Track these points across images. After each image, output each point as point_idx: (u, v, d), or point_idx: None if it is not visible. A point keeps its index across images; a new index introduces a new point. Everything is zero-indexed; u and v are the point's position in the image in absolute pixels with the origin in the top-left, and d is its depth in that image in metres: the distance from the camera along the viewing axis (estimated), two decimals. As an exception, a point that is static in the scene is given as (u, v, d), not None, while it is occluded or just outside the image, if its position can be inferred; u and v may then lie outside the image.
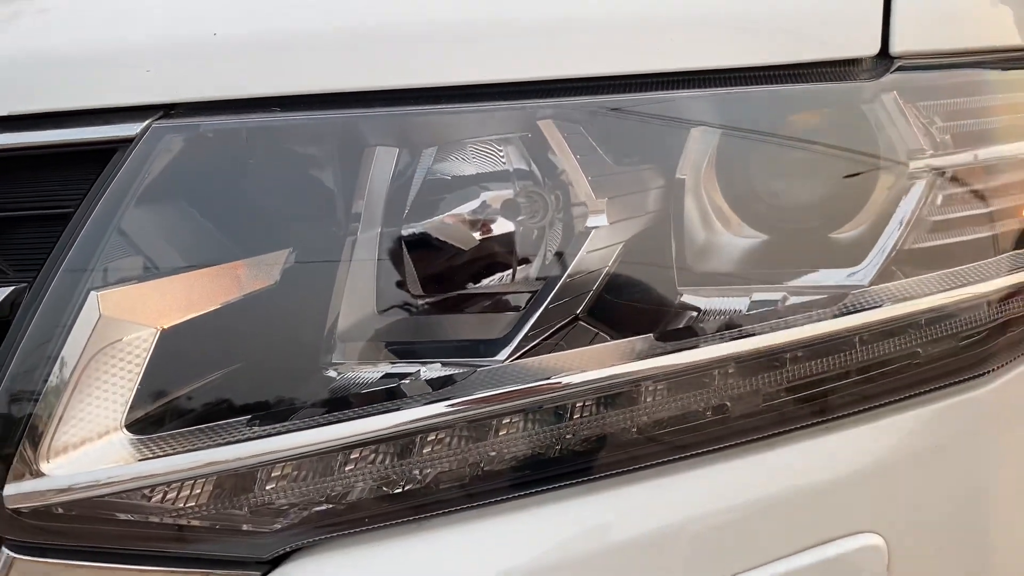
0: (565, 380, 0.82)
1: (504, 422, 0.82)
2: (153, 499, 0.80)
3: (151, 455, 0.79)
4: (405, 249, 0.91)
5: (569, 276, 0.90)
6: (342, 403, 0.84)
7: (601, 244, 0.92)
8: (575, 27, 0.88)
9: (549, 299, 0.90)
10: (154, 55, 0.82)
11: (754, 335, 0.85)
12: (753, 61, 0.90)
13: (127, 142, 0.80)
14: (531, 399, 0.81)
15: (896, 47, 0.92)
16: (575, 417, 0.83)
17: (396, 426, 0.80)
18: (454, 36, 0.86)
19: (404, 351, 0.92)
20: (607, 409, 0.83)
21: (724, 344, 0.84)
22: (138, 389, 0.80)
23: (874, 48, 0.92)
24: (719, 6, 0.90)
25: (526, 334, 0.87)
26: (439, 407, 0.80)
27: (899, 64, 0.92)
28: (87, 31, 0.83)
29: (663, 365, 0.83)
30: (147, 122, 0.80)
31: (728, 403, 0.85)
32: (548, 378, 0.82)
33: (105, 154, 0.81)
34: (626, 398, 0.83)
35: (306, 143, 0.87)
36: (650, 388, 0.84)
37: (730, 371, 0.86)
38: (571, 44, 0.88)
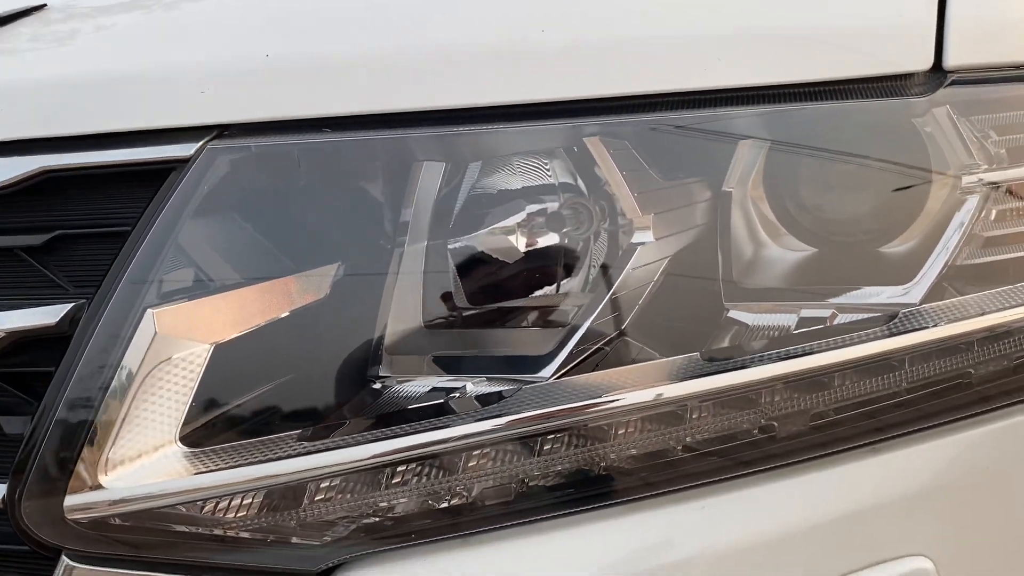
0: (611, 400, 0.82)
1: (549, 439, 0.83)
2: (206, 511, 0.82)
3: (204, 468, 0.81)
4: (451, 262, 0.92)
5: (615, 292, 0.90)
6: (390, 418, 0.85)
7: (647, 260, 0.92)
8: (622, 46, 0.88)
9: (594, 315, 0.91)
10: (208, 77, 0.83)
11: (803, 355, 0.84)
12: (802, 77, 0.89)
13: (183, 162, 0.82)
14: (577, 418, 0.81)
15: (950, 61, 0.90)
16: (619, 435, 0.83)
17: (443, 442, 0.81)
18: (501, 57, 0.86)
19: (450, 365, 0.93)
20: (652, 428, 0.83)
21: (773, 364, 0.84)
22: (192, 403, 0.81)
23: (927, 62, 0.90)
24: (766, 23, 0.89)
25: (571, 351, 0.88)
26: (486, 424, 0.81)
27: (953, 78, 0.91)
28: (143, 52, 0.85)
29: (711, 386, 0.83)
30: (202, 142, 0.82)
31: (775, 423, 0.85)
32: (594, 397, 0.82)
33: (161, 174, 0.83)
34: (672, 417, 0.83)
35: (355, 161, 0.88)
36: (696, 407, 0.83)
37: (778, 390, 0.85)
38: (617, 63, 0.88)
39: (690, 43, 0.88)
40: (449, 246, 0.92)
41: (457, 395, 0.87)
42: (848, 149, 0.93)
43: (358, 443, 0.81)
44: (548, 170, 0.95)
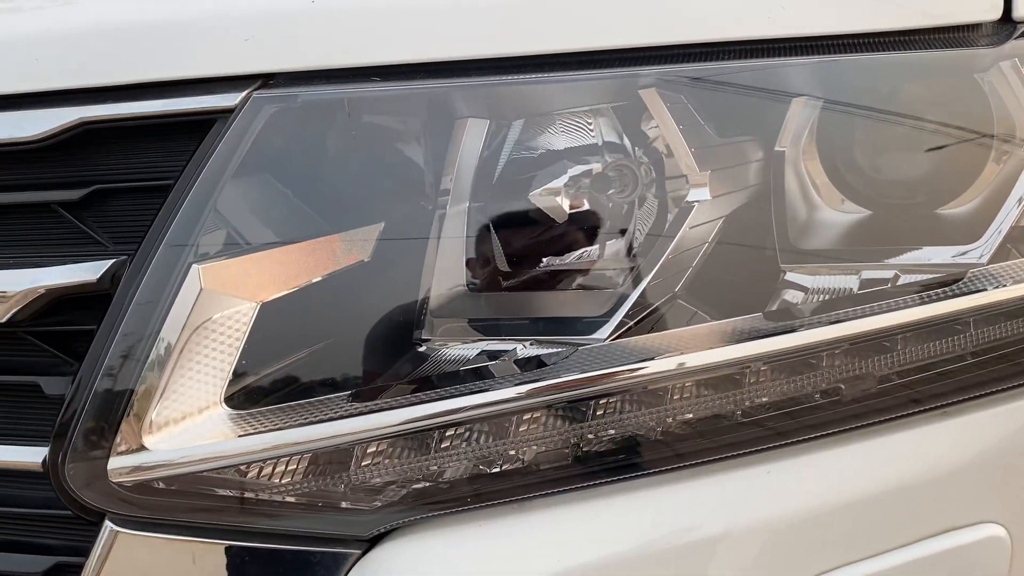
0: (670, 361, 0.79)
1: (604, 403, 0.80)
2: (251, 475, 0.79)
3: (250, 431, 0.78)
4: (493, 224, 0.89)
5: (671, 253, 0.87)
6: (439, 380, 0.82)
7: (703, 219, 0.89)
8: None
9: (650, 277, 0.87)
10: (252, 23, 0.80)
11: (868, 315, 0.81)
12: (861, 27, 0.86)
13: (227, 112, 0.79)
14: (634, 380, 0.78)
15: (1021, 11, 0.86)
16: (677, 399, 0.80)
17: (495, 403, 0.78)
18: (552, 3, 0.82)
19: (496, 329, 0.90)
20: (712, 392, 0.80)
21: (837, 326, 0.80)
22: (237, 364, 0.79)
23: (996, 12, 0.86)
24: (832, -32, 0.85)
25: (627, 312, 0.85)
26: (540, 385, 0.78)
27: (1023, 30, 0.87)
28: (192, 2, 0.81)
29: (773, 348, 0.79)
30: (246, 92, 0.79)
31: (841, 386, 0.81)
32: (652, 359, 0.79)
33: (204, 124, 0.80)
34: (731, 381, 0.80)
35: (402, 114, 0.85)
36: (757, 370, 0.80)
37: (842, 352, 0.82)
38: (675, 8, 0.84)
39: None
40: (493, 207, 0.89)
41: (507, 359, 0.84)
42: (905, 105, 0.90)
43: (407, 404, 0.78)
44: (592, 129, 0.92)
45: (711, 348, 0.79)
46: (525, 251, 0.91)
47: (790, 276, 0.90)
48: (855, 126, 0.91)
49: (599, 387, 0.78)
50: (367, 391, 0.81)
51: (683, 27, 0.84)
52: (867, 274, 0.90)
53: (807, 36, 0.86)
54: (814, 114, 0.89)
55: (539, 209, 0.89)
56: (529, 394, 0.78)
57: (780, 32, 0.85)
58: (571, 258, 0.91)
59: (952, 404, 0.83)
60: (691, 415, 0.80)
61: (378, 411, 0.80)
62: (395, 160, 0.87)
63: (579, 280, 0.91)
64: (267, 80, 0.80)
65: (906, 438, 0.81)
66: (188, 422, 0.78)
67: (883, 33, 0.86)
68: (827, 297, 0.88)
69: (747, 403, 0.80)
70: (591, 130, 0.92)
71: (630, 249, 0.91)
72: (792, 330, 0.80)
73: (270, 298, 0.80)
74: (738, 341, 0.80)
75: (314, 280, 0.82)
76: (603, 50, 0.85)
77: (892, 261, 0.90)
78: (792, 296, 0.89)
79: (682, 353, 0.79)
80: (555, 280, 0.92)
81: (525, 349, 0.85)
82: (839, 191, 0.93)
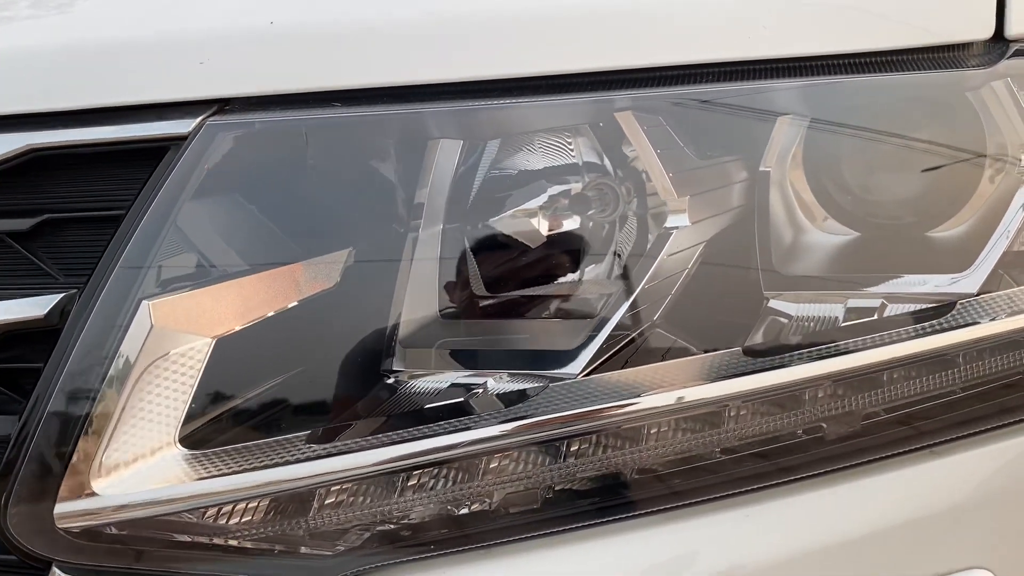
0: (646, 400, 0.75)
1: (578, 442, 0.76)
2: (207, 518, 0.76)
3: (206, 473, 0.75)
4: (469, 248, 0.86)
5: (648, 282, 0.84)
6: (405, 417, 0.79)
7: (682, 245, 0.86)
8: (656, 11, 0.80)
9: (625, 306, 0.84)
10: (207, 46, 0.77)
11: (853, 351, 0.78)
12: (848, 48, 0.83)
13: (180, 140, 0.75)
14: (609, 420, 0.75)
15: (1012, 29, 0.83)
16: (654, 438, 0.77)
17: (463, 446, 0.75)
18: (526, 24, 0.79)
19: (469, 359, 0.87)
20: (690, 430, 0.77)
21: (821, 362, 0.77)
22: (192, 402, 0.76)
23: (987, 31, 0.83)
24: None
25: (600, 345, 0.81)
26: (509, 426, 0.75)
27: (1016, 48, 0.84)
28: (136, 21, 0.78)
29: (753, 385, 0.76)
30: (200, 118, 0.75)
31: (823, 424, 0.78)
32: (628, 397, 0.75)
33: (157, 152, 0.76)
34: (711, 418, 0.77)
35: (367, 139, 0.82)
36: (737, 407, 0.77)
37: (826, 389, 0.78)
38: (652, 30, 0.81)
39: (735, 8, 0.80)
40: (467, 231, 0.86)
41: (478, 392, 0.81)
42: (895, 125, 0.86)
43: (371, 446, 0.75)
44: (572, 148, 0.89)
45: (687, 386, 0.76)
46: (500, 275, 0.88)
47: (774, 303, 0.87)
48: (844, 145, 0.88)
49: (569, 428, 0.75)
50: (330, 430, 0.77)
51: (659, 49, 0.80)
52: (853, 303, 0.87)
53: (788, 57, 0.83)
54: (800, 133, 0.86)
55: (515, 232, 0.86)
56: (496, 435, 0.75)
57: (760, 54, 0.81)
58: (548, 283, 0.88)
59: (941, 443, 0.80)
60: (665, 456, 0.77)
61: (341, 453, 0.76)
62: (362, 185, 0.84)
63: (555, 307, 0.88)
64: (223, 106, 0.76)
65: (892, 479, 0.78)
66: (140, 464, 0.74)
67: (870, 53, 0.83)
68: (812, 326, 0.85)
69: (725, 443, 0.77)
70: (571, 150, 0.89)
71: (609, 274, 0.88)
72: (774, 367, 0.76)
73: (226, 333, 0.76)
74: (717, 378, 0.76)
75: (276, 311, 0.79)
76: (578, 73, 0.81)
77: (879, 289, 0.87)
78: (774, 325, 0.86)
79: (657, 391, 0.76)
80: (530, 306, 0.89)
81: (497, 383, 0.82)
82: (827, 211, 0.90)
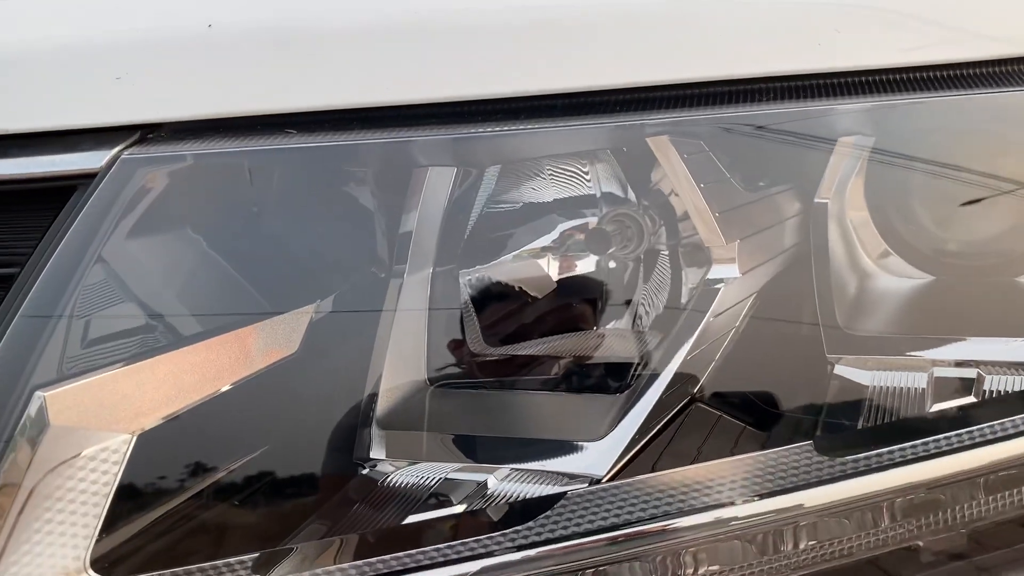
0: (689, 518, 0.58)
1: (605, 570, 0.59)
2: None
3: (125, 607, 0.58)
4: (465, 298, 0.72)
5: (691, 349, 0.67)
6: (380, 536, 0.62)
7: (730, 302, 0.70)
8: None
9: (661, 378, 0.68)
10: (126, 56, 0.60)
11: (952, 450, 0.61)
12: (933, 58, 0.70)
13: (90, 177, 0.59)
14: (645, 545, 0.58)
15: None
16: (700, 563, 0.60)
17: (458, 579, 0.58)
18: (533, 32, 0.63)
19: (465, 445, 0.71)
20: (752, 551, 0.60)
21: (917, 465, 0.60)
22: (107, 516, 0.60)
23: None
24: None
25: (632, 435, 0.64)
26: (513, 556, 0.58)
27: None
28: (33, 24, 0.61)
29: (833, 497, 0.59)
30: (116, 150, 0.59)
31: (919, 541, 0.61)
32: (667, 515, 0.58)
33: (61, 193, 0.60)
34: (777, 537, 0.60)
35: (331, 171, 0.67)
36: (809, 524, 0.60)
37: (919, 497, 0.61)
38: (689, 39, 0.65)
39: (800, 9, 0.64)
40: (461, 277, 0.72)
41: (475, 496, 0.64)
42: (974, 150, 0.73)
43: (335, 580, 0.58)
44: (588, 176, 0.74)
45: (744, 501, 0.59)
46: (502, 332, 0.74)
47: (840, 370, 0.71)
48: (915, 173, 0.74)
49: (593, 556, 0.57)
50: (281, 552, 0.60)
51: (702, 62, 0.64)
52: (940, 372, 0.70)
53: (850, 71, 0.67)
54: (862, 158, 0.72)
55: (520, 276, 0.72)
56: (497, 565, 0.58)
57: (829, 65, 0.65)
58: (561, 343, 0.73)
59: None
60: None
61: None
62: (330, 227, 0.70)
63: (571, 376, 0.72)
64: (146, 134, 0.60)
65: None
66: (38, 598, 0.58)
67: (939, 67, 0.70)
68: (893, 405, 0.69)
69: (790, 570, 0.60)
70: (587, 179, 0.75)
71: (637, 332, 0.72)
72: (856, 472, 0.59)
73: (152, 425, 0.60)
74: (789, 485, 0.59)
75: (218, 391, 0.63)
76: (607, 90, 0.65)
77: (969, 353, 0.71)
78: (844, 395, 0.69)
79: (706, 507, 0.58)
80: (540, 371, 0.73)
81: (499, 483, 0.65)
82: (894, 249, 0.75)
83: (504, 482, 0.65)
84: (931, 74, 0.70)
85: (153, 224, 0.60)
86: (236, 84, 0.61)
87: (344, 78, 0.63)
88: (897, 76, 0.70)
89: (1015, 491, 0.65)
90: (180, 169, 0.60)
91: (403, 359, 0.71)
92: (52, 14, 0.61)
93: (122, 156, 0.59)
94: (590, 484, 0.61)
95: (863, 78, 0.70)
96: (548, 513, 0.59)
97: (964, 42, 0.71)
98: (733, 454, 0.63)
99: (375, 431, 0.70)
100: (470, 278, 0.73)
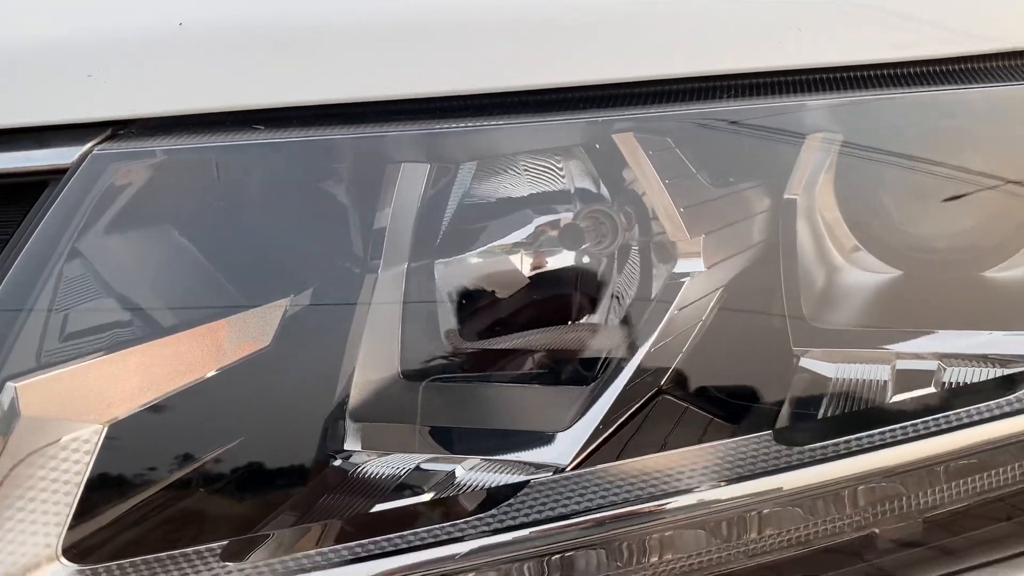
0: (652, 504, 0.59)
1: (570, 556, 0.60)
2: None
3: (97, 594, 0.59)
4: (439, 292, 0.73)
5: (656, 341, 0.68)
6: (352, 526, 0.63)
7: (695, 295, 0.71)
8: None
9: (625, 370, 0.69)
10: (97, 53, 0.61)
11: (914, 437, 0.62)
12: (897, 55, 0.71)
13: (60, 173, 0.60)
14: (609, 532, 0.59)
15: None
16: (662, 549, 0.61)
17: (420, 567, 0.59)
18: (507, 29, 0.64)
19: (437, 435, 0.72)
20: (707, 539, 0.61)
21: (874, 454, 0.61)
22: (79, 505, 0.60)
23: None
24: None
25: (596, 425, 0.66)
26: (477, 543, 0.59)
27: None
28: (5, 22, 0.62)
29: (792, 484, 0.60)
30: (86, 147, 0.60)
31: (875, 529, 0.62)
32: (629, 501, 0.60)
33: (31, 189, 0.61)
34: (728, 526, 0.61)
35: (303, 167, 0.67)
36: (769, 511, 0.61)
37: (877, 485, 0.63)
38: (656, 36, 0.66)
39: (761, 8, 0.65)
40: (436, 272, 0.73)
41: (443, 484, 0.65)
42: (944, 145, 0.74)
43: (302, 569, 0.59)
44: (562, 172, 0.75)
45: (702, 486, 0.60)
46: (475, 325, 0.74)
47: (805, 362, 0.72)
48: (885, 168, 0.76)
49: (556, 541, 0.59)
50: (254, 539, 0.62)
51: (665, 59, 0.65)
52: (903, 364, 0.72)
53: (818, 67, 0.69)
54: (832, 153, 0.73)
55: (493, 270, 0.73)
56: (464, 553, 0.59)
57: (789, 63, 0.67)
58: (532, 337, 0.73)
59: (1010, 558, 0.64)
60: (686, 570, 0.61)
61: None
62: (303, 221, 0.70)
63: (542, 369, 0.73)
64: (117, 130, 0.61)
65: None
66: (11, 585, 0.59)
67: (922, 62, 0.71)
68: (853, 393, 0.70)
69: (748, 557, 0.61)
70: (560, 175, 0.75)
71: (605, 323, 0.73)
72: (813, 460, 0.61)
73: (123, 415, 0.61)
74: (743, 476, 0.60)
75: (190, 383, 0.64)
76: (569, 87, 0.66)
77: (931, 346, 0.72)
78: (808, 388, 0.71)
79: (664, 495, 0.60)
80: (511, 366, 0.74)
81: (467, 472, 0.66)
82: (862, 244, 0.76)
83: (472, 471, 0.66)
84: (898, 71, 0.72)
85: (125, 219, 0.61)
86: (206, 81, 0.62)
87: (315, 74, 0.64)
88: (865, 73, 0.72)
89: (973, 479, 0.66)
90: (151, 164, 0.61)
91: (376, 353, 0.72)
92: (23, 11, 0.62)
93: (93, 152, 0.60)
94: (554, 473, 0.62)
95: (831, 75, 0.72)
96: (511, 501, 0.60)
97: (929, 39, 0.73)
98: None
99: (348, 423, 0.71)
100: (444, 273, 0.74)
